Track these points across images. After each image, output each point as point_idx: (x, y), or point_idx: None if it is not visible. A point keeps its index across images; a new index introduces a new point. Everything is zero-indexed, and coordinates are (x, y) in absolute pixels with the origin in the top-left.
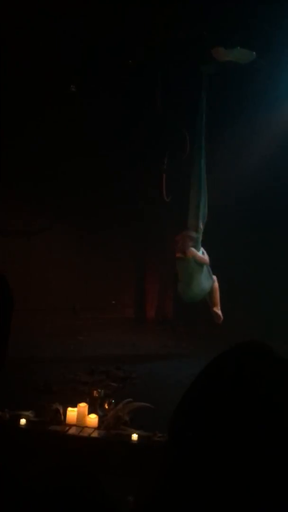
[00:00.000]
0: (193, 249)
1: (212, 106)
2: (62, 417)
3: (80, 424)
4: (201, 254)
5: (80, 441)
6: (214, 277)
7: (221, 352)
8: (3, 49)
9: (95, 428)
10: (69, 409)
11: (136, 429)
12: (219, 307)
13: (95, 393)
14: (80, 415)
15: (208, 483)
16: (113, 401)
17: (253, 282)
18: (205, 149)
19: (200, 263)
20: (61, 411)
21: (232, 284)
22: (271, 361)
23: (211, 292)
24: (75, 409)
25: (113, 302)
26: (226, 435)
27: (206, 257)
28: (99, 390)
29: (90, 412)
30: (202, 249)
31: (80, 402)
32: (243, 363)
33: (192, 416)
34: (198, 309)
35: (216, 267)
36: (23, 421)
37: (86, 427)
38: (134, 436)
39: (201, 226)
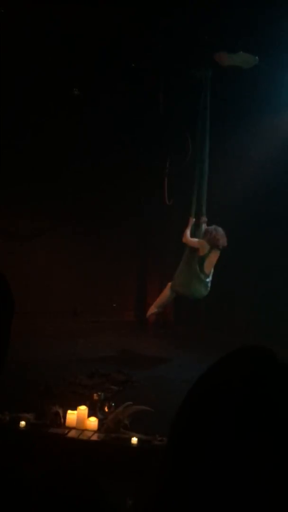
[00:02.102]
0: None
1: (214, 110)
2: (62, 419)
3: (80, 427)
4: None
5: (79, 444)
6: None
7: (223, 356)
8: (5, 51)
9: (95, 431)
10: (69, 412)
11: (136, 432)
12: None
13: (95, 396)
14: (80, 418)
15: (208, 488)
16: (113, 404)
17: (253, 286)
18: (208, 154)
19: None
20: (61, 413)
21: (232, 287)
22: (274, 366)
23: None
24: (75, 412)
25: (114, 305)
26: (228, 440)
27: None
28: (99, 393)
29: (90, 415)
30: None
31: (80, 405)
32: (246, 367)
33: (193, 420)
34: (199, 313)
35: (215, 269)
36: (23, 424)
37: (86, 430)
38: (134, 440)
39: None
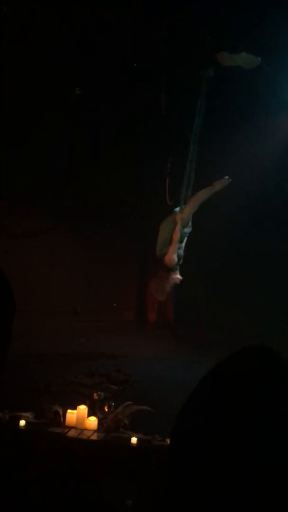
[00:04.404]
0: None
1: (216, 110)
2: (62, 419)
3: (79, 427)
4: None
5: (79, 444)
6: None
7: (229, 355)
8: (8, 50)
9: (94, 431)
10: (69, 411)
11: (135, 432)
12: None
13: (95, 396)
14: (79, 417)
15: (210, 489)
16: (113, 404)
17: (253, 287)
18: (196, 151)
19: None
20: (61, 413)
21: (232, 288)
22: (279, 365)
23: None
24: (75, 411)
25: (114, 304)
26: (231, 440)
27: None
28: (99, 393)
29: (89, 414)
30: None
31: (80, 404)
32: (249, 368)
33: (197, 421)
34: (199, 313)
35: (215, 270)
36: (22, 423)
37: (86, 429)
38: (134, 439)
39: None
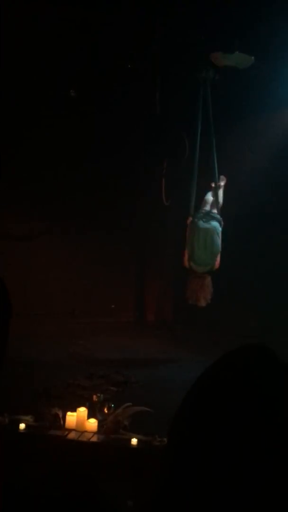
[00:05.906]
0: None
1: (212, 111)
2: (62, 421)
3: (79, 429)
4: None
5: (79, 446)
6: None
7: (223, 355)
8: (4, 52)
9: (94, 433)
10: (69, 413)
11: (135, 433)
12: None
13: (94, 398)
14: (79, 419)
15: (208, 489)
16: (112, 405)
17: (252, 286)
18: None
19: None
20: (61, 415)
21: (232, 287)
22: (274, 365)
23: None
24: (75, 413)
25: (112, 306)
26: (228, 440)
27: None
28: (99, 395)
29: (89, 416)
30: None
31: (79, 406)
32: (246, 366)
33: (193, 420)
34: (197, 313)
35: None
36: (22, 426)
37: (86, 431)
38: (134, 441)
39: None
